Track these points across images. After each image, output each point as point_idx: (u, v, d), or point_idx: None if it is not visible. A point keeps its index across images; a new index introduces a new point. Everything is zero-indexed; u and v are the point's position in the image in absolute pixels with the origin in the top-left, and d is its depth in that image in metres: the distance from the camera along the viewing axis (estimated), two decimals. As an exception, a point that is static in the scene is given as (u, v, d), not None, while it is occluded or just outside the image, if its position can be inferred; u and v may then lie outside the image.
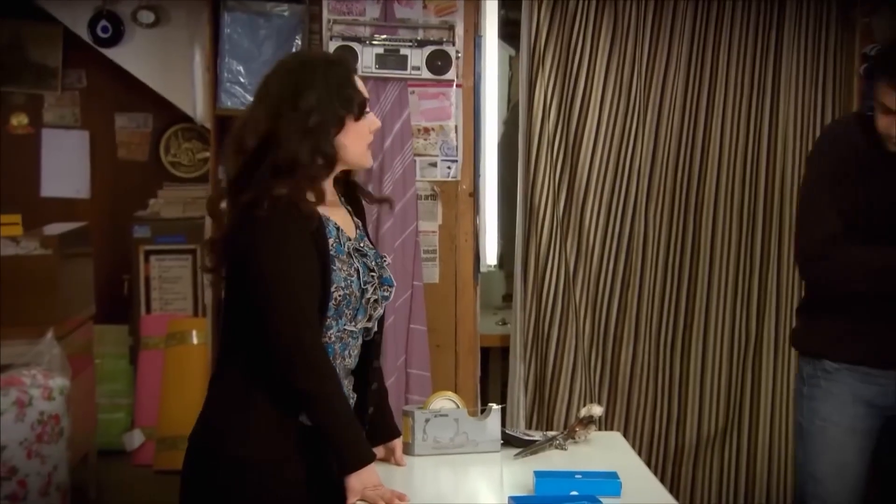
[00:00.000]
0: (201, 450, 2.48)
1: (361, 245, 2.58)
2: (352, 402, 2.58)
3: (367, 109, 2.51)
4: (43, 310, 4.45)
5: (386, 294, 2.63)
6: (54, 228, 4.78)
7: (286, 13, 4.49)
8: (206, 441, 2.48)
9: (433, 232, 4.13)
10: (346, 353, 2.56)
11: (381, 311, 2.63)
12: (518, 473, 2.71)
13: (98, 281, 5.08)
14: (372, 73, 4.04)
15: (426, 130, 4.11)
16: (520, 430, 3.35)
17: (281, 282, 2.39)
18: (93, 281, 5.04)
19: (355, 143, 2.49)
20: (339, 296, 2.48)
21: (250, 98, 4.38)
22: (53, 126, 5.58)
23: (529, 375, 4.23)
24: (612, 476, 2.58)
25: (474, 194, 4.16)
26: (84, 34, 5.13)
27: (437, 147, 4.12)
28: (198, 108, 4.72)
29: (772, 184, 4.21)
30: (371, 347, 2.64)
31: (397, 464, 2.75)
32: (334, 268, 2.46)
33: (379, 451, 2.71)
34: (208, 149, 4.79)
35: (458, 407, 2.92)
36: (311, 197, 2.43)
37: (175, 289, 5.72)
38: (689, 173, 4.20)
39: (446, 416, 2.88)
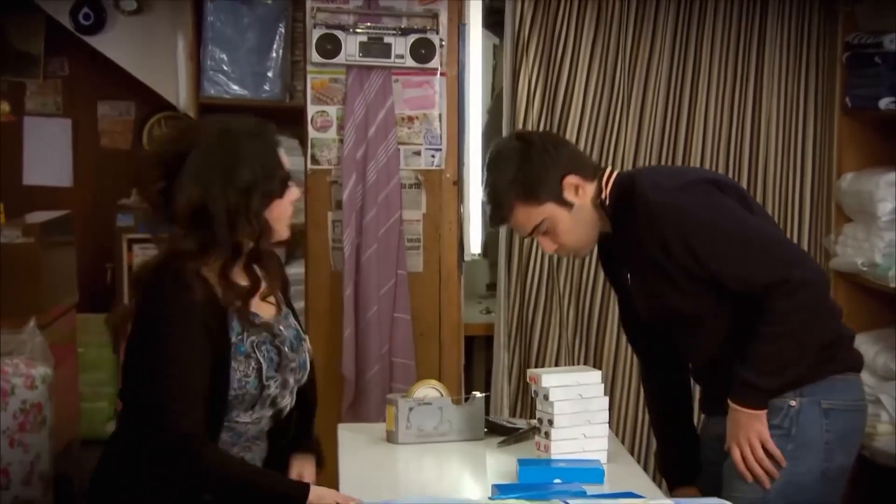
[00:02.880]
0: None
1: (281, 327, 2.44)
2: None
3: (290, 183, 2.40)
4: (25, 298, 4.42)
5: (300, 377, 2.48)
6: (36, 217, 4.74)
7: (269, 1, 4.48)
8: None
9: (417, 221, 4.11)
10: (239, 442, 2.41)
11: (290, 400, 2.46)
12: (502, 461, 2.72)
13: (81, 270, 5.05)
14: (356, 61, 4.03)
15: (410, 119, 4.10)
16: (504, 418, 3.36)
17: (166, 363, 2.25)
18: (75, 269, 5.01)
19: (279, 220, 2.38)
20: (231, 395, 2.33)
21: (233, 86, 4.48)
22: (36, 114, 5.54)
23: (513, 364, 4.24)
24: (595, 463, 2.60)
25: (458, 183, 4.15)
26: (66, 22, 5.09)
27: (420, 135, 4.10)
28: (181, 96, 4.70)
29: (755, 173, 4.22)
30: (287, 425, 2.50)
31: None
32: (231, 366, 2.32)
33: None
34: (191, 137, 4.76)
35: (442, 395, 2.93)
36: (233, 278, 2.32)
37: (158, 277, 5.68)
38: (673, 162, 4.20)
39: (430, 404, 2.88)
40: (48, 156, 5.57)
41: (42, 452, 4.28)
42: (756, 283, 2.49)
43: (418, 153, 4.11)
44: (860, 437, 2.68)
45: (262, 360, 2.36)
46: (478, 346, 4.61)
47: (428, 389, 2.94)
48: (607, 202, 2.60)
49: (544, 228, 2.61)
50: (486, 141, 4.48)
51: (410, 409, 2.86)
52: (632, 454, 2.96)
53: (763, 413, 2.53)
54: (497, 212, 2.64)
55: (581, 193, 2.61)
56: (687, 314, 2.59)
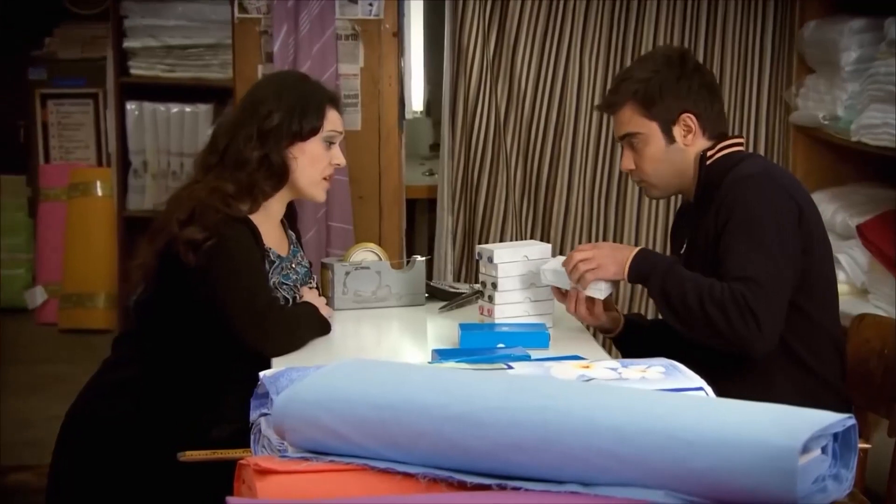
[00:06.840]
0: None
1: (293, 265, 2.68)
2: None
3: (333, 142, 2.63)
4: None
5: None
6: (-58, 70, 4.48)
7: None
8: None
9: (354, 75, 3.98)
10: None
11: None
12: (443, 327, 2.71)
13: (-10, 127, 4.85)
14: None
15: (346, -36, 3.94)
16: (446, 283, 3.38)
17: (238, 272, 2.48)
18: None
19: (307, 164, 2.59)
20: None
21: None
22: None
23: (458, 227, 4.17)
24: (540, 327, 2.56)
25: (398, 34, 3.99)
26: None
27: (357, -18, 3.97)
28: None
29: (713, 22, 4.06)
30: None
31: None
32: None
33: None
34: (109, -15, 4.50)
35: (381, 259, 2.90)
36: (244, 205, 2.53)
37: (76, 136, 5.57)
38: (627, 17, 4.06)
39: (368, 268, 2.87)
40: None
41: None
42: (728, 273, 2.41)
43: (355, 1, 3.95)
44: None
45: (286, 295, 2.63)
46: (420, 210, 4.56)
47: (365, 253, 2.91)
48: (708, 161, 2.57)
49: (634, 143, 2.61)
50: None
51: (347, 273, 2.84)
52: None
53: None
54: (611, 97, 2.67)
55: (689, 138, 2.60)
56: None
